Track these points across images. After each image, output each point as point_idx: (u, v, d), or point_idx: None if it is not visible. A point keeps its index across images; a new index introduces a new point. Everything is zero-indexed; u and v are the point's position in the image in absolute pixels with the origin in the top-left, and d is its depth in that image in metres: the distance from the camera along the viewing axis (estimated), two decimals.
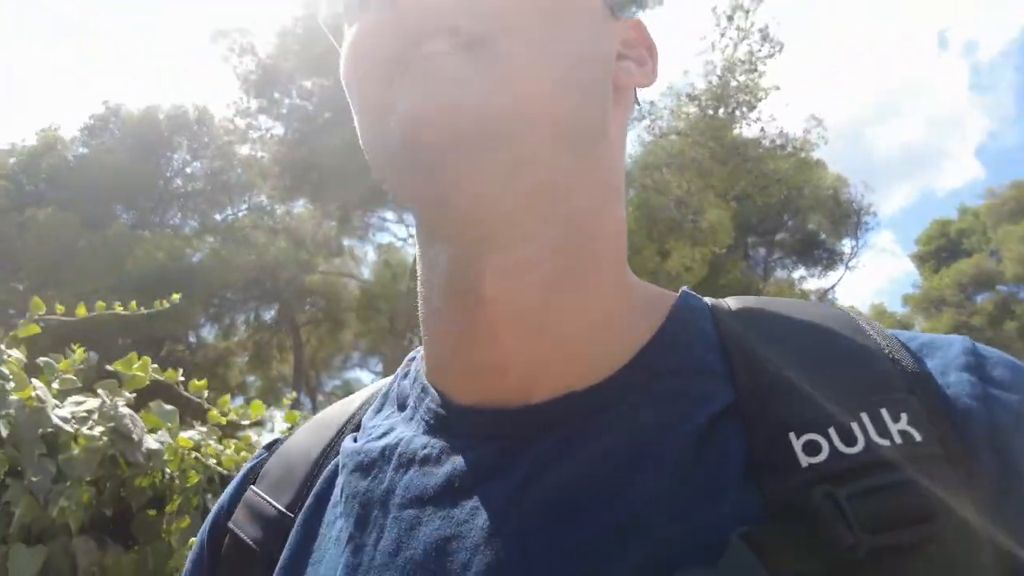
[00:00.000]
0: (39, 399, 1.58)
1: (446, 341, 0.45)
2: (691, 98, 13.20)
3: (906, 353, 0.39)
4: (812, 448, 0.35)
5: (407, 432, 0.46)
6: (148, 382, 1.82)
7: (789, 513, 0.33)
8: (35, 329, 1.70)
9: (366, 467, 0.46)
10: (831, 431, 0.35)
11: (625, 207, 0.49)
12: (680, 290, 0.49)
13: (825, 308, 0.46)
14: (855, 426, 0.35)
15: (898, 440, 0.34)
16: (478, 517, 0.39)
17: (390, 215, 17.82)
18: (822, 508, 0.32)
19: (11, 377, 1.58)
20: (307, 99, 13.83)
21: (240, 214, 19.11)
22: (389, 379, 0.56)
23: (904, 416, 0.35)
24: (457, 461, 0.42)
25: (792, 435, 0.35)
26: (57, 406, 1.64)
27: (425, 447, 0.44)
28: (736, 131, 13.44)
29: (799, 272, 23.82)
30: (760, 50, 12.96)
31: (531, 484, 0.39)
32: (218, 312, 20.42)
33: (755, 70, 12.92)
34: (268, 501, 0.51)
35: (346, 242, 20.18)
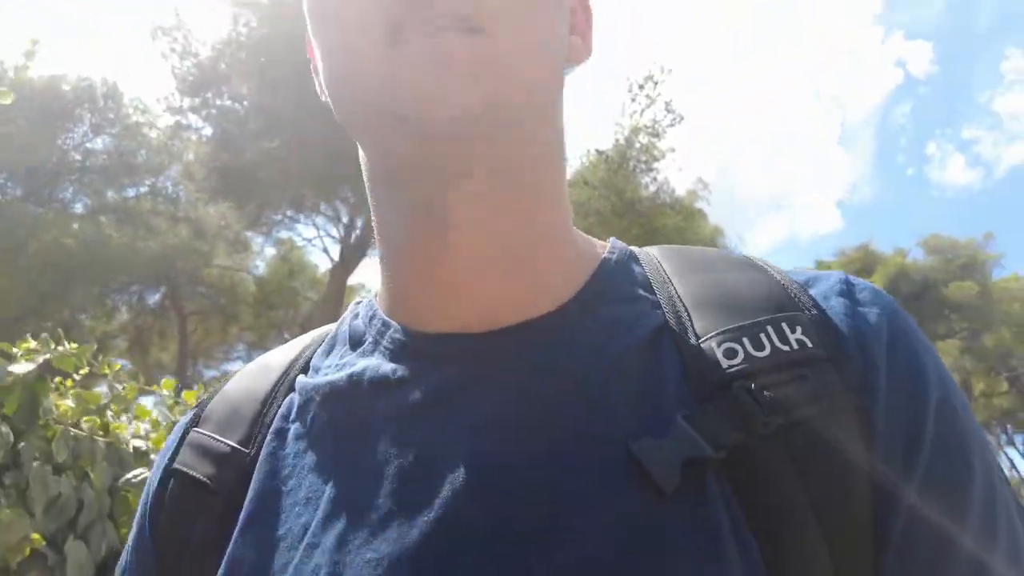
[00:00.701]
0: None
1: (411, 273, 0.49)
2: (600, 152, 14.64)
3: (796, 284, 0.48)
4: (730, 354, 0.43)
5: (371, 362, 0.49)
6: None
7: (716, 403, 0.41)
8: (169, 385, 2.42)
9: (337, 395, 0.48)
10: (745, 340, 0.44)
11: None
12: (609, 239, 0.56)
13: (729, 252, 0.54)
14: (763, 336, 0.44)
15: (795, 346, 0.43)
16: (458, 432, 0.43)
17: (302, 217, 17.90)
18: (740, 397, 0.41)
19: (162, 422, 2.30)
20: (239, 101, 13.91)
21: (139, 193, 18.44)
22: (332, 325, 0.59)
23: (799, 328, 0.44)
24: (431, 380, 0.46)
25: (714, 344, 0.44)
26: None
27: (395, 371, 0.47)
28: (635, 188, 14.92)
29: None
30: (664, 119, 14.66)
31: (505, 399, 0.44)
32: (100, 293, 19.57)
33: (656, 135, 14.54)
34: (217, 439, 0.52)
35: (248, 233, 19.95)
